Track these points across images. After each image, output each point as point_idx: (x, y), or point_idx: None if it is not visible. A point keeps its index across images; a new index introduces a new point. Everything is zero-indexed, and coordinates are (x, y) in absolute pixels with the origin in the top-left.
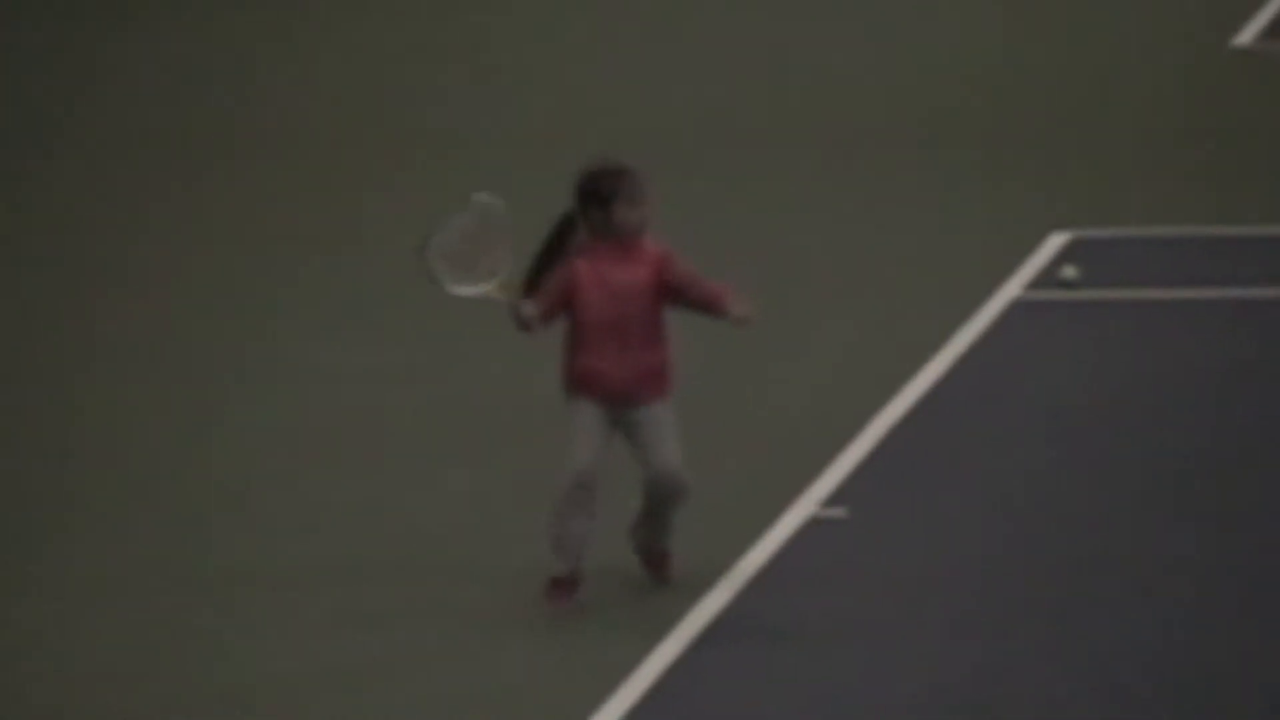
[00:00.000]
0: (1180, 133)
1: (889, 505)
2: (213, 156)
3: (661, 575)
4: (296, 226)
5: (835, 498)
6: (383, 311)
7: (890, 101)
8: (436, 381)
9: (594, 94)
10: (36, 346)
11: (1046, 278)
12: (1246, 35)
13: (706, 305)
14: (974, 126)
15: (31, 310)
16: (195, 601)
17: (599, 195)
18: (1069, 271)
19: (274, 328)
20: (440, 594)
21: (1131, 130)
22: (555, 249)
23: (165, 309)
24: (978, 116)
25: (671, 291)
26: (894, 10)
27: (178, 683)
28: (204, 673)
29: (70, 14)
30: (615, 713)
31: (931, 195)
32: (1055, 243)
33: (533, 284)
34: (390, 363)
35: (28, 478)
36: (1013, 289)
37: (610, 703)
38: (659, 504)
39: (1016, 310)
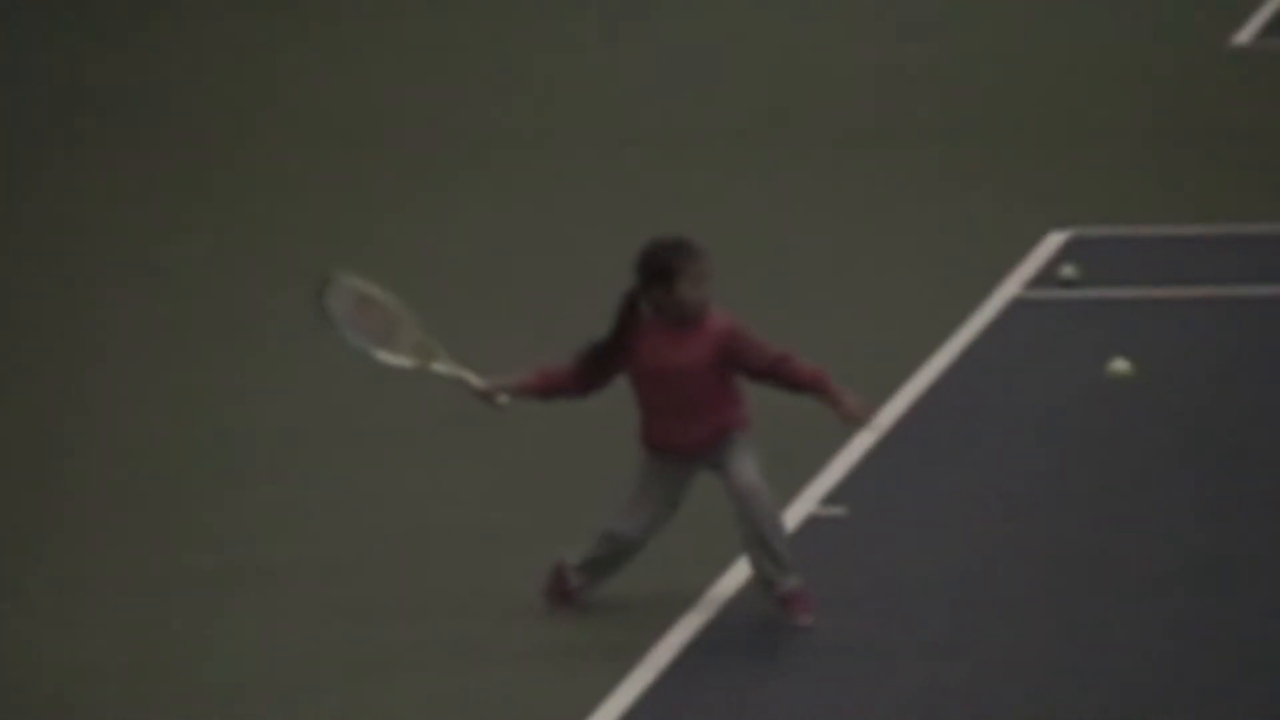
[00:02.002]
0: (1180, 131)
1: (888, 504)
2: (215, 152)
3: (796, 617)
4: (294, 221)
5: (834, 496)
6: None
7: (889, 100)
8: (434, 377)
9: (591, 91)
10: (31, 344)
11: (1045, 277)
12: (1246, 34)
13: (800, 388)
14: (972, 125)
15: (27, 307)
16: (191, 598)
17: (661, 273)
18: (1068, 270)
19: (271, 321)
20: (437, 592)
21: (1131, 129)
22: (623, 330)
23: (161, 305)
24: (976, 115)
25: (742, 372)
26: (894, 9)
27: (172, 679)
28: (200, 669)
29: (89, 4)
30: (621, 704)
31: (930, 194)
32: (1054, 241)
33: (595, 361)
34: None
35: (22, 476)
36: (1012, 288)
37: (618, 691)
38: (746, 522)
39: (1016, 309)
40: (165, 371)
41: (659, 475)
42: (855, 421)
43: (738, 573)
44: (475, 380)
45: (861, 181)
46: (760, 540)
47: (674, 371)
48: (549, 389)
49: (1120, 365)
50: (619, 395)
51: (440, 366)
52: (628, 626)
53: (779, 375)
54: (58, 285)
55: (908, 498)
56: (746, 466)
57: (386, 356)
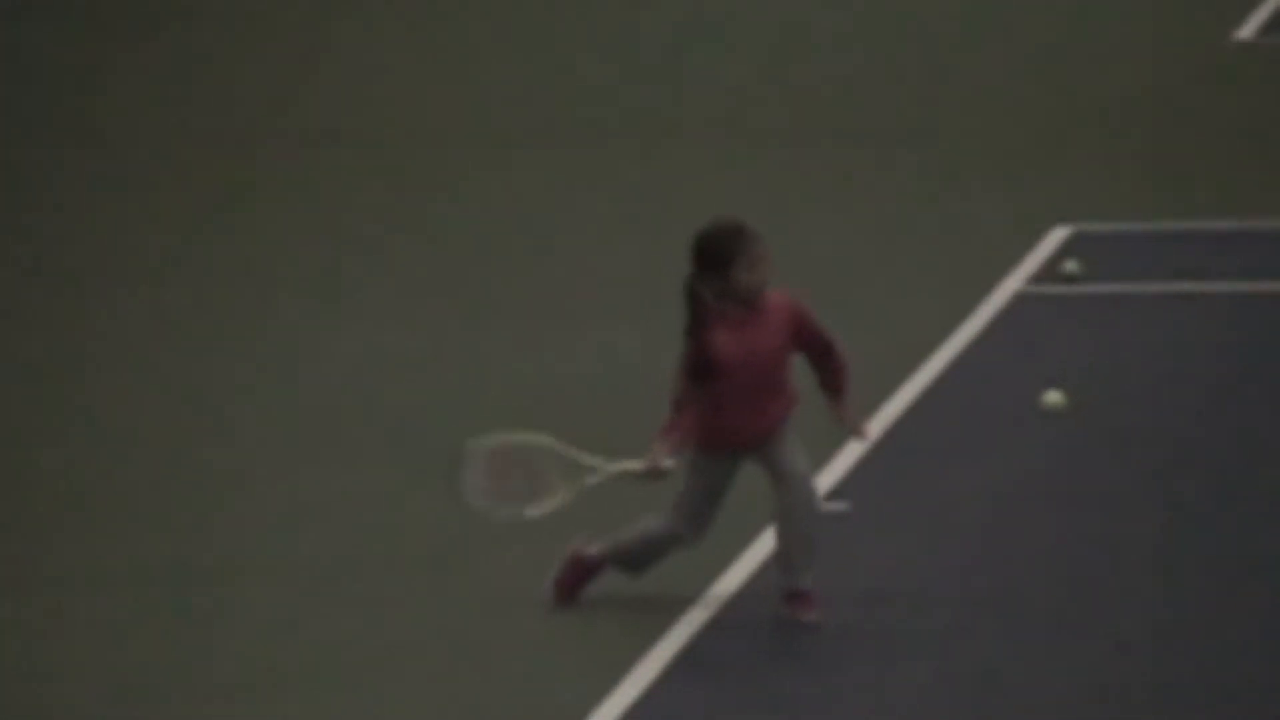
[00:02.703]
0: (1183, 126)
1: (891, 499)
2: (218, 151)
3: (802, 614)
4: (296, 217)
5: (837, 491)
6: (382, 301)
7: (892, 96)
8: (435, 371)
9: (589, 92)
10: (33, 340)
11: (1049, 272)
12: (1249, 29)
13: (834, 376)
14: (976, 120)
15: (29, 303)
16: (193, 594)
17: (716, 259)
18: (1071, 265)
19: (273, 319)
20: (436, 591)
21: (1134, 124)
22: (700, 323)
23: (164, 299)
24: (979, 110)
25: (805, 347)
26: (895, 5)
27: (174, 676)
28: (201, 666)
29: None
30: (622, 703)
31: (933, 189)
32: (1057, 237)
33: (700, 374)
34: (389, 353)
35: (25, 472)
36: (1015, 283)
37: (620, 690)
38: (793, 509)
39: (1019, 304)
40: (167, 369)
41: (719, 475)
42: (850, 429)
43: (739, 571)
44: (635, 466)
45: (864, 178)
46: (802, 529)
47: (759, 354)
48: (691, 430)
49: (1053, 397)
50: (613, 392)
51: (595, 478)
52: (630, 625)
53: (831, 355)
54: (60, 283)
55: (910, 493)
56: (799, 453)
57: (537, 511)
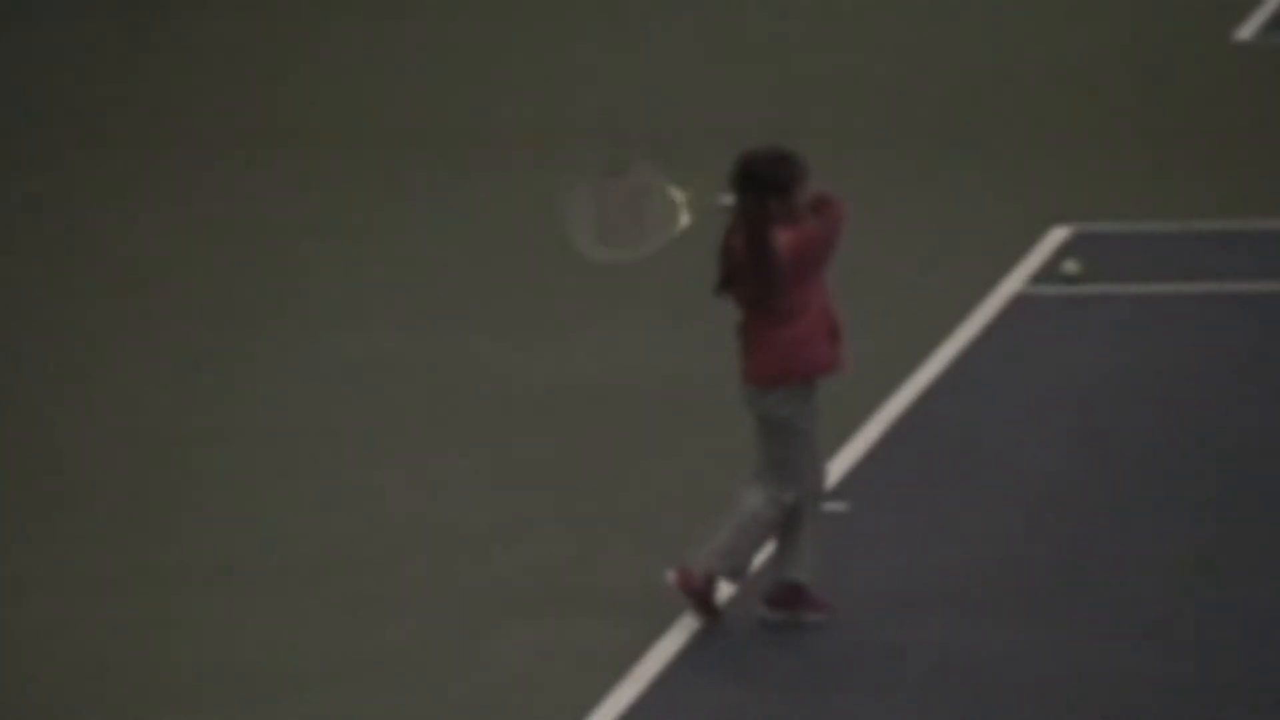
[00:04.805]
0: (1183, 126)
1: (891, 499)
2: (218, 148)
3: (799, 612)
4: (298, 218)
5: (837, 492)
6: (383, 302)
7: (891, 95)
8: (436, 371)
9: (589, 92)
10: (36, 339)
11: (1049, 272)
12: (1248, 29)
13: None
14: (975, 120)
15: (31, 302)
16: (195, 594)
17: (780, 181)
18: (1071, 266)
19: (274, 320)
20: (433, 591)
21: (1134, 124)
22: (761, 242)
23: (165, 300)
24: (979, 110)
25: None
26: (894, 4)
27: (177, 676)
28: (205, 665)
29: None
30: (619, 705)
31: (932, 190)
32: (1057, 237)
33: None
34: (390, 353)
35: (18, 475)
36: (1015, 283)
37: (617, 691)
38: (808, 507)
39: (1019, 305)
40: (168, 365)
41: (810, 412)
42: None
43: None
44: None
45: (863, 178)
46: (811, 509)
47: None
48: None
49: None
50: (612, 396)
51: (696, 209)
52: (630, 625)
53: None
54: (62, 277)
55: (910, 494)
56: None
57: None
